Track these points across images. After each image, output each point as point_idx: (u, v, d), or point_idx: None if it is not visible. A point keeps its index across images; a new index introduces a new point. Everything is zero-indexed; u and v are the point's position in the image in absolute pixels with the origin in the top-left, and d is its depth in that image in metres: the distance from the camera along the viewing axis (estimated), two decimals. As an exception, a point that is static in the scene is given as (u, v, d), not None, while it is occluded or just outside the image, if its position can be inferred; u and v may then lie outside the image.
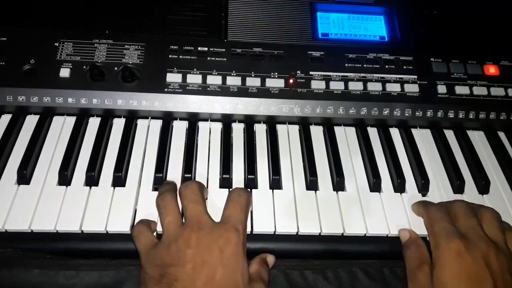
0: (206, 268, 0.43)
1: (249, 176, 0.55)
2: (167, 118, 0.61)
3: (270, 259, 0.49)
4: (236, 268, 0.44)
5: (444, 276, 0.44)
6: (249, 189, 0.54)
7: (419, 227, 0.52)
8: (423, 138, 0.63)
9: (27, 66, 0.59)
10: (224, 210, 0.49)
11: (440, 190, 0.57)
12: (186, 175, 0.55)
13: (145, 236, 0.47)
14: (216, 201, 0.52)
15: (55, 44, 0.61)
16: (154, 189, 0.54)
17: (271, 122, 0.62)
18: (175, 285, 0.42)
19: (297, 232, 0.51)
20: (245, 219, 0.49)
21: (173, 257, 0.43)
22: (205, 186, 0.53)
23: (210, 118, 0.62)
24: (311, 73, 0.63)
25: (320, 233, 0.52)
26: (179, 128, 0.61)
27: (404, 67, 0.65)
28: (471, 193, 0.58)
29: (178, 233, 0.45)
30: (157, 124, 0.61)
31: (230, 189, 0.53)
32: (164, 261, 0.44)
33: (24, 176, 0.53)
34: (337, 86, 0.62)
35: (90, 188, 0.53)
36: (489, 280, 0.43)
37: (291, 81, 0.62)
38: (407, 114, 0.62)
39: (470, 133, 0.65)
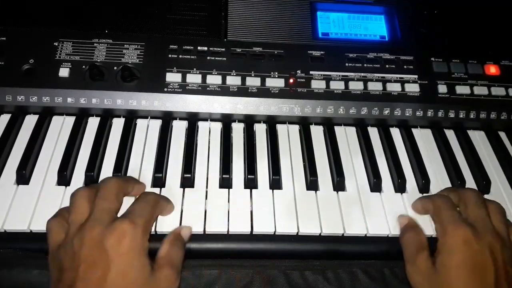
0: (98, 269, 0.40)
1: (249, 176, 0.55)
2: (167, 118, 0.61)
3: (185, 231, 0.47)
4: (131, 264, 0.41)
5: (450, 262, 0.44)
6: (249, 189, 0.54)
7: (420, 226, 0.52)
8: (424, 138, 0.63)
9: (26, 65, 0.59)
10: (129, 207, 0.46)
11: (441, 190, 0.57)
12: (185, 175, 0.54)
13: (56, 233, 0.44)
14: (216, 201, 0.52)
15: (55, 43, 0.61)
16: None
17: (271, 122, 0.62)
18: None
19: (297, 232, 0.51)
20: (149, 214, 0.45)
21: (68, 259, 0.41)
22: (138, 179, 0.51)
23: (210, 118, 0.61)
24: (311, 72, 0.63)
25: (320, 234, 0.51)
26: (179, 128, 0.60)
27: (405, 66, 0.65)
28: (472, 193, 0.57)
29: (76, 232, 0.42)
30: (156, 124, 0.61)
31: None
32: (61, 264, 0.41)
33: (23, 176, 0.52)
34: (337, 85, 0.62)
35: (90, 188, 0.53)
36: (492, 270, 0.44)
37: (291, 80, 0.62)
38: (407, 114, 0.62)
39: (471, 133, 0.65)
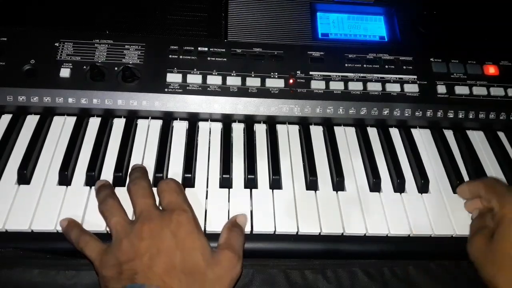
0: (163, 255, 0.43)
1: (249, 176, 0.55)
2: (167, 118, 0.61)
3: (241, 219, 0.50)
4: (193, 247, 0.44)
5: (510, 230, 0.47)
6: (249, 189, 0.54)
7: (419, 227, 0.52)
8: (423, 138, 0.63)
9: (27, 66, 0.59)
10: (162, 201, 0.49)
11: (440, 190, 0.57)
12: (186, 175, 0.55)
13: (93, 244, 0.46)
14: (216, 201, 0.53)
15: (55, 44, 0.61)
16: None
17: (271, 122, 0.62)
18: (136, 278, 0.42)
19: (297, 232, 0.51)
20: (186, 199, 0.49)
21: (127, 253, 0.43)
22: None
23: (210, 118, 0.62)
24: (311, 73, 0.63)
25: (320, 233, 0.52)
26: (179, 128, 0.61)
27: (404, 67, 0.65)
28: (470, 193, 0.58)
29: (127, 229, 0.45)
30: (157, 124, 0.61)
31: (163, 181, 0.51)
32: (119, 259, 0.43)
33: (25, 176, 0.53)
34: (337, 86, 0.62)
35: (91, 188, 0.53)
36: None
37: (291, 81, 0.62)
38: (406, 114, 0.62)
39: (470, 133, 0.65)
